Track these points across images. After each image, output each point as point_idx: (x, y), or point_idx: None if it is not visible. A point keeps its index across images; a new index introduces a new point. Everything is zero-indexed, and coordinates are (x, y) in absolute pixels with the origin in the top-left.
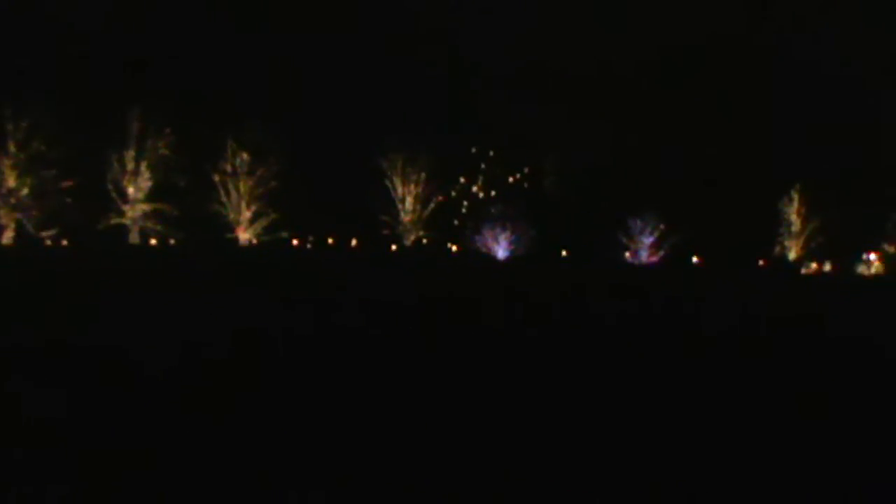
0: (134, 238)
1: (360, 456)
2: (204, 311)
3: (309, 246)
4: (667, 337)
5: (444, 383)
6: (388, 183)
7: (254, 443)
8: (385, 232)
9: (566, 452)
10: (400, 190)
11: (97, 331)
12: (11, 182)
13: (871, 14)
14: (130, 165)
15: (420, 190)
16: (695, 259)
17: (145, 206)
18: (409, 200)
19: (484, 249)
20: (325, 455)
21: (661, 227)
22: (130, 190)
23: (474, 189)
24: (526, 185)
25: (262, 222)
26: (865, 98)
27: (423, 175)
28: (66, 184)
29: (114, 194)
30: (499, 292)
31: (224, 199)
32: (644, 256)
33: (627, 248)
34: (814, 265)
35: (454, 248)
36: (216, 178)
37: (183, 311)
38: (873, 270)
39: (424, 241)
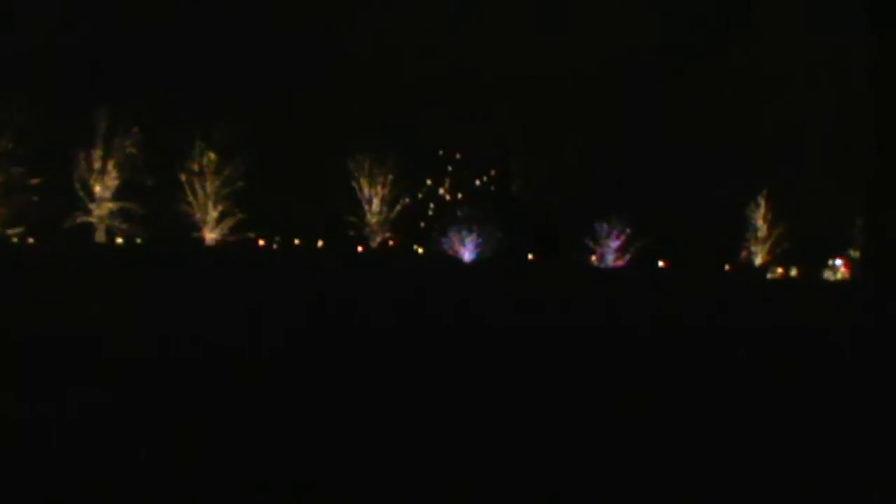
0: (100, 237)
1: (332, 459)
2: (169, 310)
3: (275, 247)
4: (630, 339)
5: (413, 387)
6: (354, 184)
7: (229, 444)
8: (351, 233)
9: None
10: (367, 191)
11: (61, 327)
12: None
13: (837, 19)
14: (97, 164)
15: (387, 191)
16: (661, 263)
17: (112, 205)
18: (375, 202)
19: (450, 252)
20: (296, 459)
21: (628, 231)
22: (97, 188)
23: (441, 191)
24: (493, 187)
25: (229, 222)
26: (832, 104)
27: (389, 177)
28: (34, 181)
29: (81, 192)
30: (466, 294)
31: (191, 198)
32: (610, 260)
33: (594, 252)
34: (780, 270)
35: (420, 250)
36: (183, 177)
37: (148, 310)
38: (839, 276)
39: (391, 242)
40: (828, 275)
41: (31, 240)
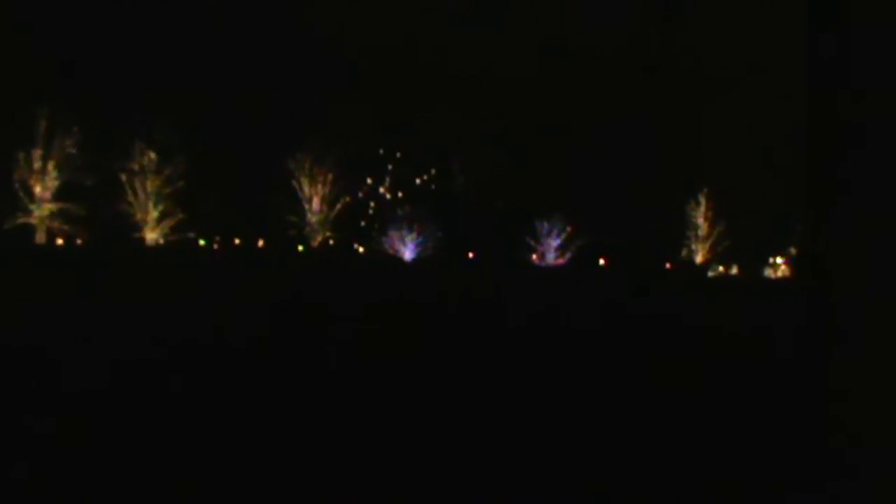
0: (40, 238)
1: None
2: (111, 311)
3: (216, 246)
4: (568, 335)
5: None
6: (295, 183)
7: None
8: (291, 233)
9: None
10: (307, 190)
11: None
12: None
13: (779, 18)
14: (37, 164)
15: (327, 191)
16: (601, 261)
17: (52, 206)
18: (315, 201)
19: (391, 251)
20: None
21: (568, 229)
22: (37, 189)
23: (381, 190)
24: (433, 186)
25: (169, 222)
26: (772, 102)
27: (329, 176)
28: None
29: (21, 193)
30: (405, 293)
31: (131, 198)
32: (551, 258)
33: (534, 251)
34: (721, 269)
35: (361, 249)
36: (123, 177)
37: (92, 312)
38: (780, 274)
39: (331, 241)
40: (769, 273)
41: None
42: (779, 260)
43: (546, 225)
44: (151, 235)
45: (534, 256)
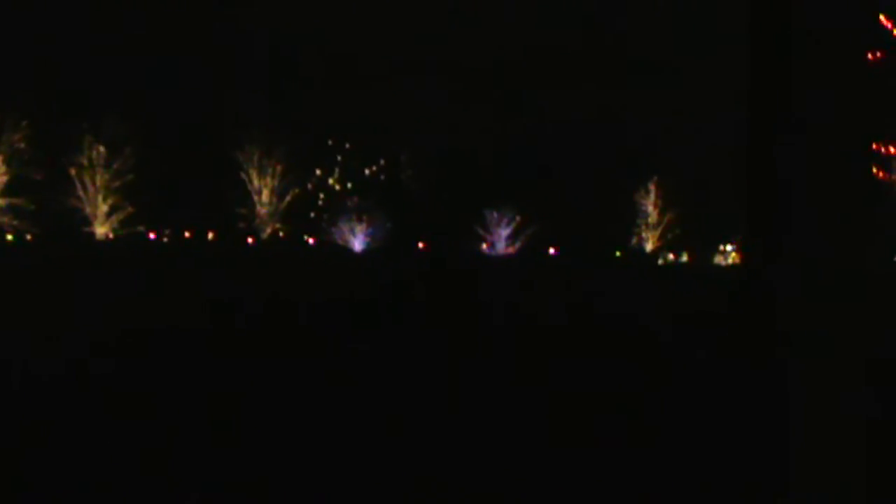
0: None
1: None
2: (67, 307)
3: (165, 240)
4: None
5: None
6: (243, 175)
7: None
8: (241, 225)
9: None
10: (256, 182)
11: None
12: None
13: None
14: None
15: (276, 182)
16: (551, 250)
17: (0, 201)
18: (265, 193)
19: (341, 242)
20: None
21: (518, 218)
22: None
23: (330, 181)
24: (382, 177)
25: (119, 216)
26: (719, 92)
27: (278, 167)
28: None
29: None
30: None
31: (81, 192)
32: (500, 248)
33: (484, 240)
34: (670, 256)
35: (310, 240)
36: (72, 171)
37: (48, 308)
38: (730, 261)
39: (281, 233)
40: (719, 260)
41: None
42: (729, 247)
43: (495, 214)
44: (101, 229)
45: (483, 246)
